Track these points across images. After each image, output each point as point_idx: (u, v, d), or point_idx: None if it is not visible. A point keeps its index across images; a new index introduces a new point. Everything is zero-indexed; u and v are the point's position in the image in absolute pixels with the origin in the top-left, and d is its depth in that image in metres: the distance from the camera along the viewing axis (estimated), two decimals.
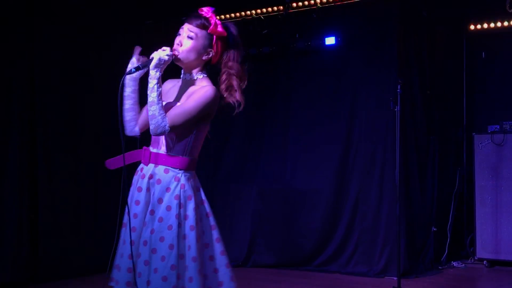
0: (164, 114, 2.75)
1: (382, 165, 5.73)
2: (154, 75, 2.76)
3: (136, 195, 2.88)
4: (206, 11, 2.91)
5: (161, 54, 2.79)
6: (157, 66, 2.77)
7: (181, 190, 2.83)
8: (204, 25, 2.88)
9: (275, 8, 6.07)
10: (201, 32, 2.87)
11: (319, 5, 5.88)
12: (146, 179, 2.86)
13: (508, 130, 5.75)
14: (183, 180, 2.85)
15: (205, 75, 2.94)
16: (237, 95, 2.88)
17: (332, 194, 5.96)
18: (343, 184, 5.94)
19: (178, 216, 2.79)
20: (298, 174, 6.17)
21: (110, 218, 5.77)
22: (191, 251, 2.77)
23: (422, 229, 5.87)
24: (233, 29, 2.97)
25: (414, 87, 5.86)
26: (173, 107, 2.82)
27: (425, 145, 5.96)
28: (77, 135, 5.76)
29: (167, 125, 2.75)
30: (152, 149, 2.90)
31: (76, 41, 5.75)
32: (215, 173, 6.51)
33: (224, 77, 2.92)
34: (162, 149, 2.87)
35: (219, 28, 2.90)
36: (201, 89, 2.85)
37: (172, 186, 2.84)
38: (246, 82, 2.95)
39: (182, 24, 2.94)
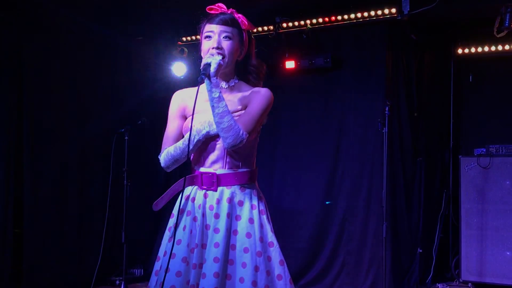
0: (237, 123, 2.53)
1: (369, 186, 5.75)
2: (216, 82, 2.51)
3: (214, 222, 2.60)
4: (223, 7, 2.72)
5: (216, 59, 2.54)
6: (216, 72, 2.51)
7: (262, 203, 2.70)
8: (234, 21, 2.67)
9: (266, 28, 6.10)
10: (234, 30, 2.66)
11: (309, 26, 5.92)
12: (224, 203, 2.62)
13: (494, 153, 5.79)
14: (260, 193, 2.72)
15: (239, 78, 2.75)
16: None
17: (319, 214, 5.96)
18: (330, 205, 5.95)
19: (272, 231, 2.68)
20: (285, 194, 6.17)
21: (94, 233, 5.80)
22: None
23: (407, 251, 5.88)
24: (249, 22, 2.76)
25: (401, 109, 5.90)
26: (240, 115, 2.60)
27: (412, 167, 5.98)
28: (63, 150, 5.75)
29: (245, 133, 2.53)
30: (215, 171, 2.65)
31: (66, 54, 5.76)
32: None
33: (244, 75, 2.77)
34: (227, 167, 2.65)
35: (248, 22, 2.71)
36: (259, 91, 2.68)
37: (255, 203, 2.67)
38: (262, 81, 2.81)
39: (199, 24, 2.72)
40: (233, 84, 2.73)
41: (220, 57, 2.56)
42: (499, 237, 5.69)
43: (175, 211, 2.74)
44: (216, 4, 2.71)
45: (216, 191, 2.65)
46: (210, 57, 2.55)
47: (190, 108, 2.70)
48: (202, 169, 2.69)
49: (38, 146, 5.48)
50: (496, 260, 5.69)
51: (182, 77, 6.57)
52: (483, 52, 6.15)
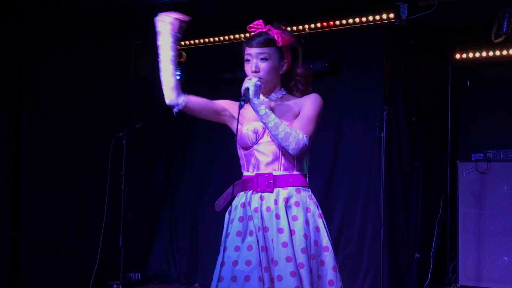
0: (294, 128, 2.66)
1: (367, 191, 5.75)
2: (258, 102, 2.65)
3: (276, 223, 2.67)
4: (259, 26, 2.84)
5: (253, 81, 2.68)
6: (256, 94, 2.65)
7: (317, 208, 2.77)
8: (269, 41, 2.78)
9: None
10: (270, 50, 2.78)
11: (307, 30, 5.93)
12: (281, 204, 2.70)
13: (491, 158, 5.80)
14: (314, 197, 2.80)
15: (286, 91, 2.88)
16: None
17: None
18: (328, 209, 5.94)
19: (328, 236, 2.72)
20: None
21: (92, 237, 5.79)
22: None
23: (405, 256, 5.88)
24: (289, 33, 2.88)
25: (399, 114, 5.91)
26: (295, 121, 2.73)
27: (410, 171, 5.98)
28: (61, 153, 5.74)
29: (305, 136, 2.67)
30: (274, 173, 2.73)
31: (64, 58, 5.76)
32: (200, 197, 6.49)
33: (292, 83, 2.88)
34: (282, 169, 2.74)
35: (286, 37, 2.81)
36: (309, 96, 2.81)
37: (311, 206, 2.75)
38: (311, 86, 2.90)
39: (240, 49, 2.85)
40: (280, 95, 2.86)
41: (256, 79, 2.69)
42: (497, 242, 5.70)
43: (236, 202, 2.82)
44: (255, 22, 2.85)
45: (272, 192, 2.72)
46: (247, 81, 2.68)
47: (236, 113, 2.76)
48: (256, 172, 2.76)
49: (36, 150, 5.47)
50: (493, 265, 5.69)
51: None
52: (480, 57, 6.16)
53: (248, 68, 2.79)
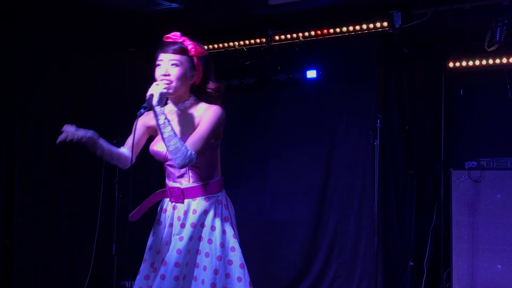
0: (185, 144, 2.76)
1: (360, 199, 5.75)
2: (160, 111, 2.74)
3: (179, 231, 2.90)
4: (175, 36, 2.94)
5: (160, 88, 2.78)
6: (160, 101, 2.76)
7: (226, 210, 2.96)
8: (182, 49, 2.90)
9: (258, 40, 6.12)
10: (182, 58, 2.89)
11: (301, 38, 5.94)
12: (190, 214, 2.90)
13: (485, 166, 5.81)
14: (224, 201, 2.98)
15: (195, 98, 2.98)
16: None
17: (310, 226, 5.95)
18: (321, 217, 5.95)
19: (234, 236, 2.93)
20: (277, 205, 6.16)
21: (85, 245, 5.76)
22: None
23: (399, 264, 5.88)
24: (203, 48, 3.01)
25: (393, 122, 5.92)
26: (190, 136, 2.83)
27: (403, 179, 5.99)
28: (54, 161, 5.72)
29: (193, 153, 2.76)
30: (181, 185, 2.92)
31: (59, 66, 5.74)
32: None
33: (204, 98, 3.01)
34: (191, 181, 2.92)
35: (199, 49, 2.94)
36: (208, 110, 2.90)
37: (218, 211, 2.92)
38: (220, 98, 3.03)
39: (154, 55, 2.95)
40: (188, 105, 2.97)
41: (163, 86, 2.80)
42: (490, 250, 5.70)
43: (160, 206, 3.14)
44: (172, 33, 2.96)
45: (183, 203, 2.92)
46: (154, 86, 2.79)
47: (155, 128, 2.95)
48: (170, 184, 2.97)
49: (29, 157, 5.45)
50: (487, 273, 5.69)
51: None
52: (474, 66, 6.18)
53: (158, 72, 2.89)
